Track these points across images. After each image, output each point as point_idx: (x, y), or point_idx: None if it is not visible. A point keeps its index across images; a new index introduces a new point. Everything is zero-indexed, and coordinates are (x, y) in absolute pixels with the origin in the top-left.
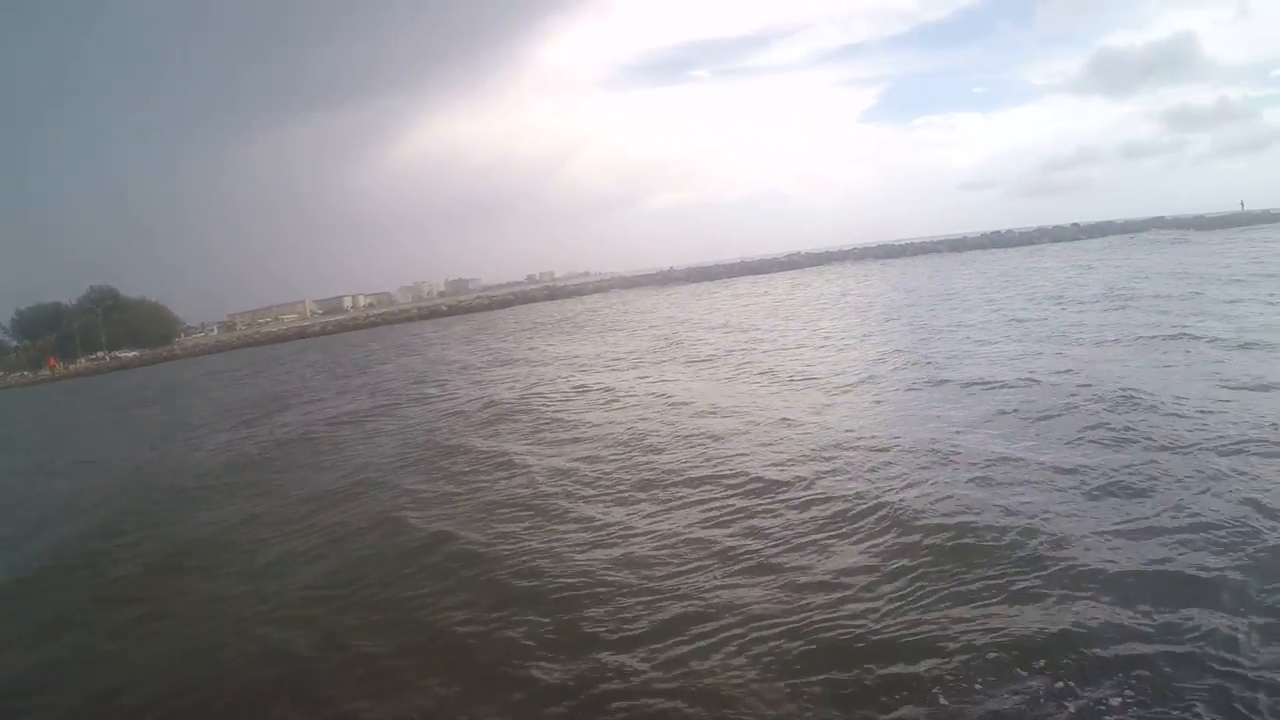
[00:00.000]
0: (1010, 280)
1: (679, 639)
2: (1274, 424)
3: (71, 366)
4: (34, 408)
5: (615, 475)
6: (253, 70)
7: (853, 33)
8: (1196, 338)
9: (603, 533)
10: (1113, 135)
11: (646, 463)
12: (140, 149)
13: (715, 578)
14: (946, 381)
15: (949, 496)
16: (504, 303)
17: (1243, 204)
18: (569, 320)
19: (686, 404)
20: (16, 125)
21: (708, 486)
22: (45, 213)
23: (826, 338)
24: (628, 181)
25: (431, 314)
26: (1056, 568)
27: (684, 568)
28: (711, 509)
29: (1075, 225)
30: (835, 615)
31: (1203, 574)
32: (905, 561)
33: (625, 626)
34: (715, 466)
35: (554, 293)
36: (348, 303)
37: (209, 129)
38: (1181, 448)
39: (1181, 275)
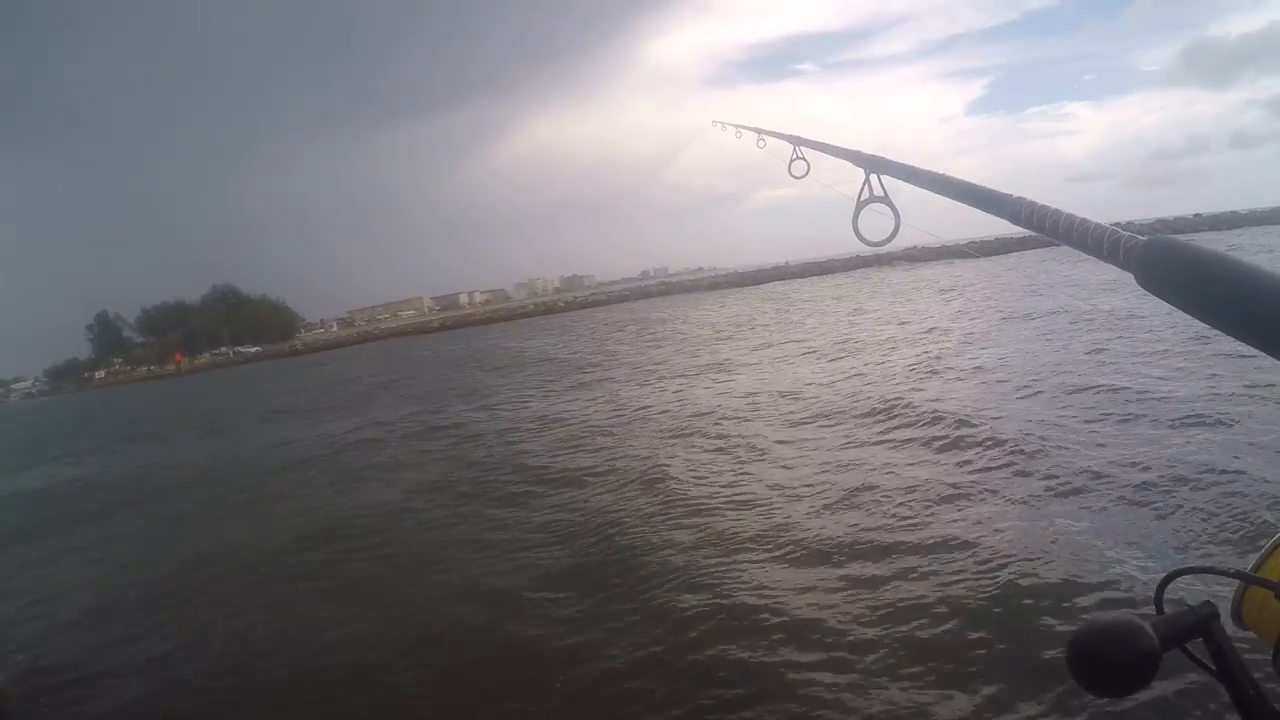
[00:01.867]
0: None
1: None
2: None
3: (196, 361)
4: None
5: None
6: (365, 76)
7: (960, 22)
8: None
9: None
10: (1221, 124)
11: None
12: (259, 155)
13: None
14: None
15: None
16: (620, 298)
17: None
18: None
19: None
20: (139, 131)
21: None
22: (169, 216)
23: None
24: (735, 177)
25: (548, 310)
26: None
27: None
28: None
29: (1197, 216)
30: None
31: None
32: None
33: None
34: None
35: (669, 288)
36: (464, 299)
37: (323, 134)
38: None
39: None
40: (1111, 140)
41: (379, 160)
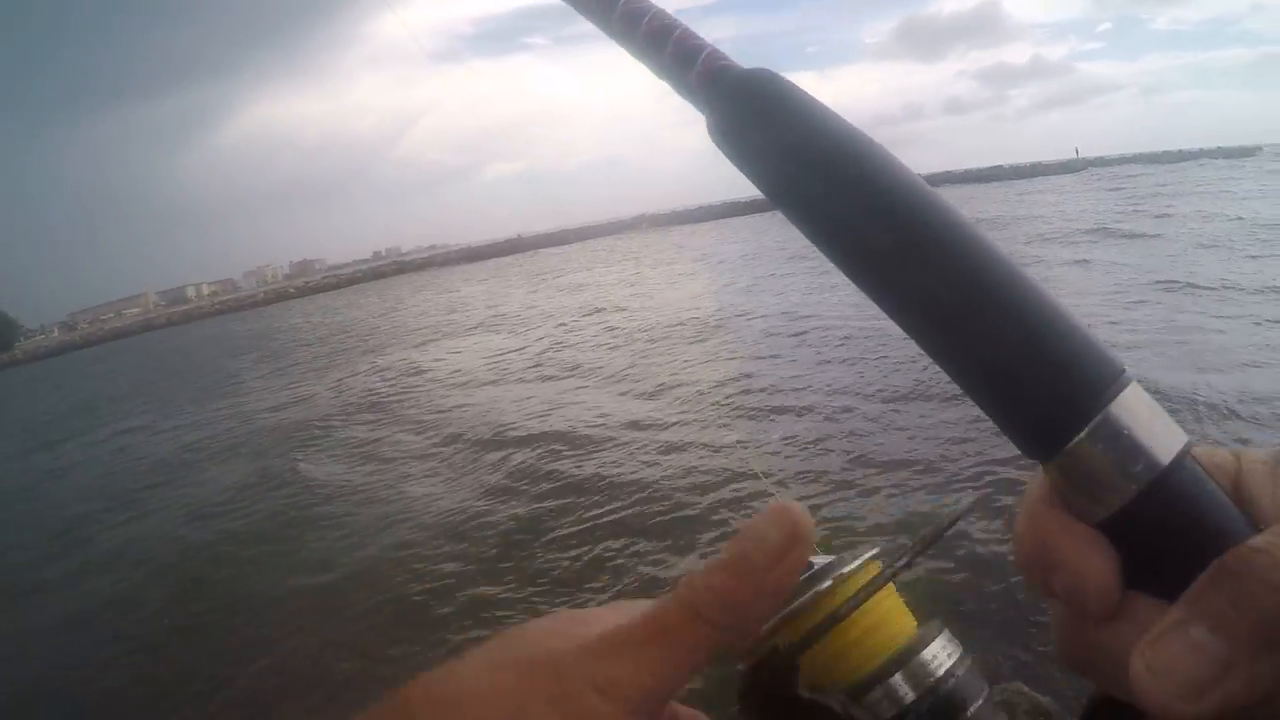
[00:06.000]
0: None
1: None
2: None
3: None
4: None
5: None
6: (62, 59)
7: None
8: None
9: None
10: (935, 93)
11: None
12: None
13: None
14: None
15: None
16: (352, 280)
17: (1078, 151)
18: None
19: None
20: None
21: None
22: None
23: None
24: (466, 153)
25: (279, 297)
26: None
27: None
28: None
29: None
30: None
31: None
32: None
33: None
34: None
35: (402, 267)
36: (190, 292)
37: (24, 121)
38: None
39: None
40: (835, 107)
41: (95, 151)
